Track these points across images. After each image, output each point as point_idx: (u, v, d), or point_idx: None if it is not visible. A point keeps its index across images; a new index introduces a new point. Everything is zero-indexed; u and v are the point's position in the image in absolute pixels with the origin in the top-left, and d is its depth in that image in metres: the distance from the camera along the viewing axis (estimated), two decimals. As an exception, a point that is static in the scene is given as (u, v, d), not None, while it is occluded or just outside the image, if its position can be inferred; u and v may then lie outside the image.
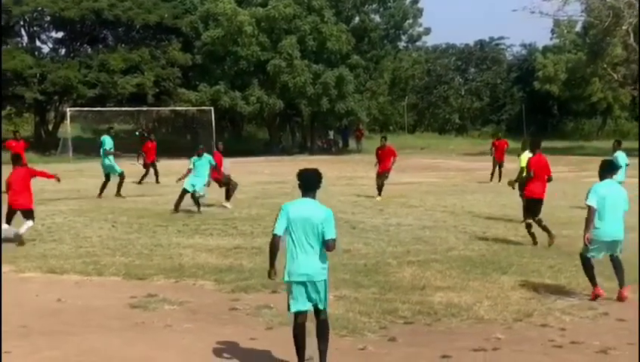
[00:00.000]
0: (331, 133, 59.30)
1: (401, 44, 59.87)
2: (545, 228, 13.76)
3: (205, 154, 19.22)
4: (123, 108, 51.95)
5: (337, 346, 7.22)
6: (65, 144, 45.70)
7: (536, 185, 13.98)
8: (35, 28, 50.75)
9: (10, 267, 11.87)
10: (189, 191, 18.60)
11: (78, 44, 51.74)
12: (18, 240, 13.84)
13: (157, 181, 26.91)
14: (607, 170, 10.00)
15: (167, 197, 20.00)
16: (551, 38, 68.29)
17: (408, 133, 67.35)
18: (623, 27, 47.42)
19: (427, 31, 58.73)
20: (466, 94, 74.01)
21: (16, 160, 15.27)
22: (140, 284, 10.79)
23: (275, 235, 6.95)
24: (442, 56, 75.42)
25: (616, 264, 9.86)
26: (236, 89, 49.18)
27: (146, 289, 10.34)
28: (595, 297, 9.71)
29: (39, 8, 47.75)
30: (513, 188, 15.20)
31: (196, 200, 18.60)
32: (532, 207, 13.93)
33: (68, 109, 47.69)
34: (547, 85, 65.20)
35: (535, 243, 13.73)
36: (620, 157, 19.11)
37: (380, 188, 21.89)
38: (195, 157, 19.10)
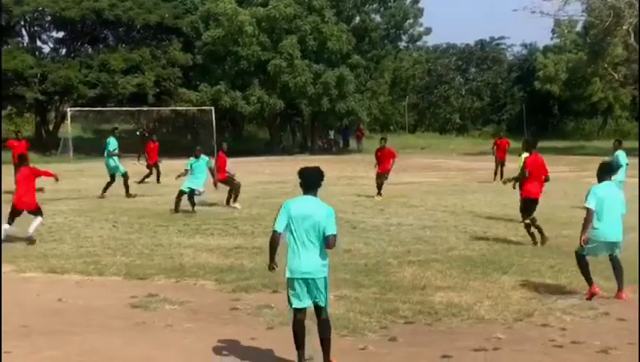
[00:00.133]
0: (332, 133, 59.31)
1: (402, 44, 59.87)
2: (538, 228, 13.84)
3: (202, 156, 19.22)
4: (124, 108, 51.99)
5: (338, 346, 7.22)
6: (65, 144, 45.74)
7: (532, 185, 14.04)
8: (35, 28, 50.79)
9: (11, 267, 11.88)
10: (185, 193, 18.61)
11: (79, 44, 51.77)
12: (29, 240, 13.96)
13: (158, 181, 26.95)
14: (606, 172, 10.04)
15: (168, 198, 20.00)
16: (551, 38, 68.36)
17: (409, 133, 67.36)
18: (624, 27, 47.40)
19: (428, 31, 58.76)
20: (467, 94, 74.01)
21: (22, 160, 15.31)
22: (140, 284, 10.79)
23: (274, 231, 7.01)
24: (443, 56, 75.41)
25: (616, 264, 9.89)
26: (237, 89, 49.20)
27: (147, 289, 10.34)
28: (591, 295, 9.72)
29: (40, 8, 47.78)
30: (514, 188, 15.20)
31: (192, 200, 18.61)
32: (527, 206, 14.01)
33: (68, 109, 47.73)
34: (548, 85, 65.17)
35: (535, 242, 13.75)
36: (621, 156, 19.12)
37: (379, 187, 21.94)
38: (192, 159, 19.11)
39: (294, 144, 57.80)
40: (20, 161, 15.19)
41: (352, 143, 57.65)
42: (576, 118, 72.23)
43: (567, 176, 28.59)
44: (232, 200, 19.80)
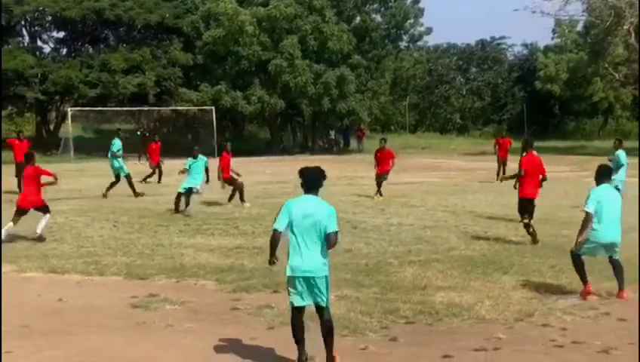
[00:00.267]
0: (332, 133, 59.33)
1: (403, 44, 59.87)
2: (525, 227, 13.96)
3: (201, 156, 19.24)
4: (124, 108, 52.08)
5: (339, 346, 7.22)
6: (66, 144, 45.79)
7: (528, 185, 14.10)
8: (36, 28, 50.83)
9: (11, 267, 11.89)
10: (183, 193, 18.60)
11: (80, 43, 51.80)
12: (40, 238, 14.07)
13: (159, 181, 26.99)
14: (604, 175, 10.08)
15: (169, 197, 19.99)
16: (552, 38, 68.37)
17: (410, 133, 67.39)
18: (625, 27, 47.41)
19: (428, 31, 58.75)
20: (468, 94, 74.03)
21: (28, 159, 15.34)
22: (141, 284, 10.79)
23: (275, 230, 7.04)
24: (443, 56, 75.44)
25: (616, 265, 9.91)
26: (237, 89, 49.21)
27: (148, 289, 10.34)
28: (586, 294, 9.74)
29: (40, 8, 47.83)
30: (515, 188, 15.20)
31: (188, 200, 18.60)
32: (524, 206, 14.07)
33: (69, 109, 47.79)
34: (548, 85, 65.17)
35: (535, 242, 13.75)
36: (622, 155, 19.14)
37: (379, 186, 21.97)
38: (190, 159, 19.11)
39: (295, 144, 57.80)
40: (26, 160, 15.27)
41: (353, 143, 57.66)
42: (576, 118, 72.24)
43: (568, 176, 28.60)
44: (239, 200, 19.88)
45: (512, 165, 25.68)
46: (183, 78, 49.93)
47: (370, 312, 9.11)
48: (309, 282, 6.98)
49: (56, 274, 11.49)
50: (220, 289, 10.48)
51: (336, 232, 6.99)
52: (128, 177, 22.31)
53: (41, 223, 14.32)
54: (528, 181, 14.07)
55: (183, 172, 19.14)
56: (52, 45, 52.41)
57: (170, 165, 27.05)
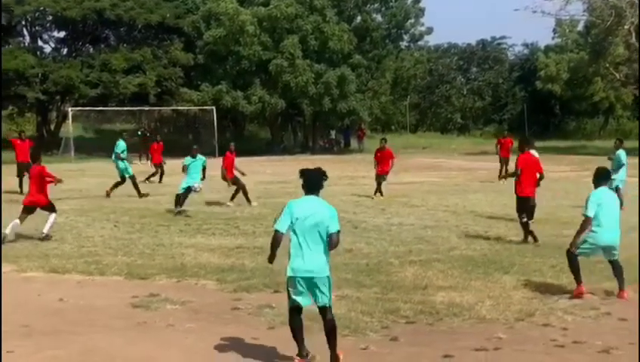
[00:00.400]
0: (333, 133, 59.32)
1: (403, 44, 59.81)
2: (523, 227, 14.03)
3: (199, 156, 19.24)
4: (125, 108, 52.10)
5: (340, 346, 7.23)
6: (67, 144, 45.81)
7: (525, 183, 14.17)
8: (37, 27, 50.82)
9: (12, 266, 11.89)
10: (181, 194, 18.56)
11: (80, 43, 51.80)
12: (46, 237, 14.18)
13: (160, 181, 27.01)
14: (602, 177, 10.10)
15: (170, 197, 20.00)
16: (553, 38, 68.31)
17: (410, 133, 67.41)
18: (625, 26, 47.38)
19: (429, 30, 58.68)
20: (468, 94, 74.03)
21: (34, 158, 15.35)
22: (142, 284, 10.79)
23: (277, 231, 7.06)
24: (444, 56, 75.45)
25: (616, 266, 9.94)
26: (238, 89, 49.20)
27: (148, 289, 10.34)
28: (577, 294, 9.76)
29: (41, 8, 47.83)
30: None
31: (184, 199, 18.53)
32: (521, 205, 14.14)
33: (70, 109, 47.80)
34: (549, 85, 65.15)
35: (535, 240, 13.78)
36: (622, 155, 19.15)
37: (378, 186, 21.99)
38: (189, 157, 19.10)
39: (296, 144, 57.80)
40: (33, 159, 15.28)
41: (354, 143, 57.64)
42: (577, 118, 72.21)
43: (569, 176, 28.61)
44: (245, 200, 19.93)
45: (514, 164, 25.70)
46: (183, 78, 49.92)
47: (371, 312, 9.11)
48: (311, 282, 7.01)
49: (57, 274, 11.49)
50: (220, 289, 10.48)
51: (338, 232, 7.04)
52: (133, 178, 22.40)
53: (47, 223, 14.39)
54: (525, 179, 14.17)
55: (184, 170, 19.13)
56: (53, 45, 52.52)
57: (171, 165, 27.09)
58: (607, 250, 9.90)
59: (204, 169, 19.15)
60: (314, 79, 48.61)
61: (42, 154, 16.07)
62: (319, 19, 49.21)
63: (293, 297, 7.09)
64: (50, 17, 49.51)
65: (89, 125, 58.23)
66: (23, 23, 49.67)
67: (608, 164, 18.82)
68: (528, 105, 68.78)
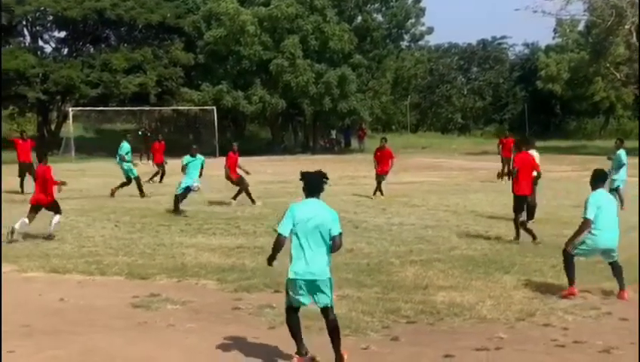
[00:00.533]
0: (334, 133, 59.32)
1: (404, 44, 59.78)
2: (517, 226, 14.18)
3: (198, 155, 19.23)
4: (125, 108, 52.09)
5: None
6: (67, 144, 45.80)
7: (522, 182, 14.31)
8: (37, 27, 50.80)
9: (13, 266, 11.90)
10: (180, 194, 18.54)
11: (81, 43, 51.79)
12: (49, 236, 14.27)
13: (160, 180, 27.02)
14: (599, 179, 10.11)
15: (171, 197, 19.99)
16: (553, 38, 68.24)
17: (411, 133, 67.39)
18: (626, 26, 47.37)
19: (430, 30, 58.64)
20: (469, 94, 74.00)
21: (40, 157, 15.36)
22: (142, 284, 10.80)
23: (280, 234, 7.07)
24: (445, 56, 75.43)
25: (615, 267, 9.96)
26: (239, 88, 49.21)
27: (149, 289, 10.35)
28: (568, 294, 9.79)
29: (42, 8, 47.82)
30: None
31: (181, 199, 18.54)
32: (517, 203, 14.27)
33: (70, 109, 47.80)
34: (550, 84, 65.11)
35: (534, 238, 13.83)
36: (623, 155, 19.15)
37: (378, 186, 21.99)
38: (188, 156, 19.09)
39: (296, 144, 57.78)
40: (39, 159, 15.31)
41: (354, 143, 57.63)
42: (578, 118, 72.16)
43: (570, 176, 28.60)
44: (249, 200, 19.92)
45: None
46: (184, 78, 49.92)
47: (372, 312, 9.12)
48: (313, 285, 7.05)
49: (57, 274, 11.50)
50: (221, 289, 10.49)
51: (340, 235, 7.10)
52: (138, 179, 22.51)
53: (52, 223, 14.46)
54: (522, 178, 14.31)
55: (183, 169, 19.11)
56: (53, 45, 52.48)
57: (172, 165, 27.08)
58: (606, 252, 9.92)
59: (201, 168, 19.16)
60: (314, 79, 48.61)
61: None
62: (320, 19, 49.21)
63: (295, 298, 7.12)
64: (51, 17, 49.49)
65: (89, 125, 58.21)
66: (24, 22, 49.65)
67: (608, 164, 18.88)
68: (529, 105, 68.77)
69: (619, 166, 18.90)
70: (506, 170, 27.33)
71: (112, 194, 21.94)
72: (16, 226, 14.11)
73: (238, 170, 20.43)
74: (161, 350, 7.86)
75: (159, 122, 58.72)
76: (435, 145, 56.62)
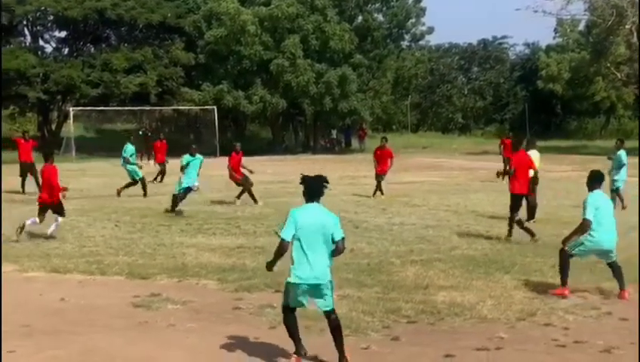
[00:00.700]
0: (334, 133, 59.33)
1: (404, 44, 59.83)
2: (510, 225, 14.31)
3: (198, 155, 19.22)
4: (126, 108, 52.11)
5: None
6: (68, 143, 45.81)
7: (519, 181, 14.42)
8: (38, 27, 50.86)
9: (13, 266, 11.91)
10: (179, 194, 18.52)
11: (81, 43, 51.84)
12: (50, 236, 14.31)
13: (161, 180, 27.05)
14: (596, 180, 10.11)
15: (171, 197, 19.99)
16: (554, 37, 68.27)
17: (411, 133, 67.38)
18: (627, 26, 47.37)
19: (430, 30, 58.68)
20: (469, 93, 73.98)
21: (47, 157, 15.38)
22: (143, 284, 10.80)
23: (283, 240, 7.08)
24: (445, 56, 75.42)
25: (615, 268, 9.98)
26: (239, 88, 49.23)
27: (149, 289, 10.35)
28: (559, 293, 9.80)
29: (42, 8, 47.89)
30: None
31: (175, 201, 18.53)
32: (514, 202, 14.37)
33: (71, 109, 47.83)
34: (550, 84, 65.12)
35: (533, 236, 13.85)
36: (623, 155, 19.15)
37: (378, 185, 22.00)
38: (187, 156, 19.06)
39: (297, 143, 57.80)
40: (45, 158, 15.34)
41: (355, 143, 57.64)
42: (578, 118, 72.15)
43: (570, 176, 28.58)
44: (252, 200, 19.95)
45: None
46: (184, 78, 49.95)
47: (372, 312, 9.12)
48: (316, 289, 7.08)
49: (58, 274, 11.50)
50: (221, 289, 10.49)
51: (343, 239, 7.13)
52: (143, 180, 22.58)
53: (53, 224, 14.47)
54: (519, 178, 14.44)
55: (182, 169, 19.09)
56: (54, 45, 52.55)
57: (172, 165, 27.08)
58: (605, 253, 9.93)
59: (199, 168, 19.16)
60: (315, 79, 48.63)
61: (43, 154, 16.03)
62: (320, 19, 49.22)
63: (291, 300, 7.15)
64: (52, 17, 49.56)
65: (90, 125, 58.23)
66: (24, 22, 49.71)
67: (609, 164, 18.89)
68: (529, 105, 68.75)
69: (619, 166, 18.90)
70: (506, 168, 27.43)
71: (119, 193, 21.96)
72: (28, 222, 14.22)
73: (242, 170, 20.45)
74: (161, 350, 7.86)
75: (160, 122, 58.72)
76: (436, 145, 56.62)
